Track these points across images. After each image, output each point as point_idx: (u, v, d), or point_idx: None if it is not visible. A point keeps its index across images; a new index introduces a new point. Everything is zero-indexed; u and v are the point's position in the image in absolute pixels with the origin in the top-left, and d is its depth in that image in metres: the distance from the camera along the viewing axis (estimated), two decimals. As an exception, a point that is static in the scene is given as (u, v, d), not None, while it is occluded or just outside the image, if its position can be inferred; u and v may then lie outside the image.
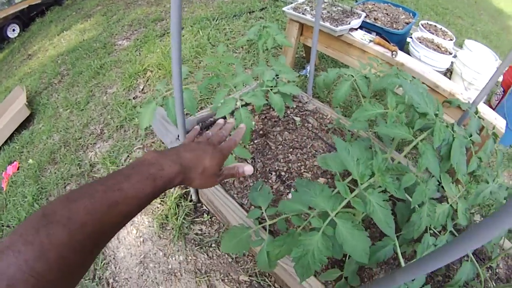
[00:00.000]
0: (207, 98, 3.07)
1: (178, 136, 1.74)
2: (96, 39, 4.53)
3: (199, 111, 2.43)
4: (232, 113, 1.63)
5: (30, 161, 2.92)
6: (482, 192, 1.49)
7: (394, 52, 2.44)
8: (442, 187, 1.53)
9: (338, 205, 0.97)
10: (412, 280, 1.22)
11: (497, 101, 3.82)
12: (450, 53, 2.85)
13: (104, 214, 0.53)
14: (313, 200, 1.00)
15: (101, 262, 2.11)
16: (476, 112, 1.70)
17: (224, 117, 1.45)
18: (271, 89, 1.74)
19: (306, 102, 2.49)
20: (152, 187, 0.62)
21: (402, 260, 1.22)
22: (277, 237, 1.15)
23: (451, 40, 3.20)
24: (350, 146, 1.05)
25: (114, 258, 2.14)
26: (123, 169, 0.62)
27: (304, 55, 3.55)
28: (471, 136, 1.50)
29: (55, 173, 2.72)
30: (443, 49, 2.96)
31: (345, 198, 1.00)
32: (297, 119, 2.34)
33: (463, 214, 1.45)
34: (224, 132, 0.91)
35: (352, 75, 1.70)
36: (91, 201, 0.52)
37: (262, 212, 1.43)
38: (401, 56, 2.47)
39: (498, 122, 2.13)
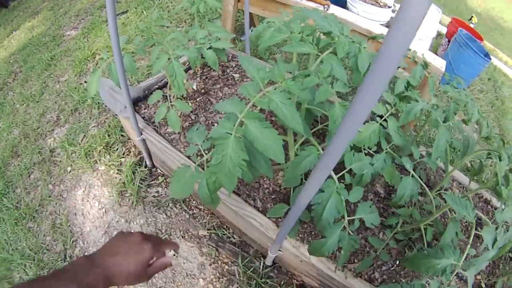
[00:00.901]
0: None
1: (125, 106, 1.83)
2: (45, 34, 4.50)
3: (146, 79, 2.50)
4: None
5: (-7, 158, 2.92)
6: (412, 110, 1.51)
7: (325, 6, 2.57)
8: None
9: (245, 107, 1.03)
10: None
11: (443, 51, 4.03)
12: (389, 7, 2.96)
13: None
14: (225, 108, 1.06)
15: (70, 241, 2.17)
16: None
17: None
18: (203, 46, 1.84)
19: (245, 61, 2.59)
20: None
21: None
22: (209, 163, 1.20)
23: None
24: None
25: (81, 234, 2.20)
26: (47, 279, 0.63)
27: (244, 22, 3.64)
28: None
29: (18, 165, 2.76)
30: (382, 4, 3.09)
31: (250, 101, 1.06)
32: (236, 75, 2.45)
33: (396, 132, 1.50)
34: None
35: (274, 22, 1.81)
36: None
37: (199, 148, 1.48)
38: (333, 9, 2.59)
39: (438, 61, 2.21)
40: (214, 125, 2.10)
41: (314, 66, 1.34)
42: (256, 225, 1.65)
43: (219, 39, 1.91)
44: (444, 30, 4.46)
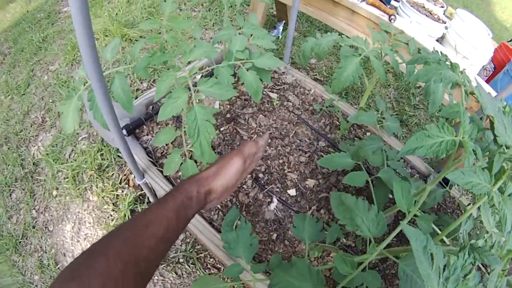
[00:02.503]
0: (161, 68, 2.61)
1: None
2: (41, 9, 3.94)
3: (152, 85, 1.96)
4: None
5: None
6: None
7: (392, 16, 1.98)
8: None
9: None
10: None
11: (486, 77, 3.64)
12: (444, 22, 2.44)
13: (138, 237, 0.57)
14: None
15: None
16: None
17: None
18: (242, 64, 1.27)
19: (283, 72, 2.02)
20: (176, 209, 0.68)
21: None
22: None
23: (442, 7, 2.78)
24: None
25: None
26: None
27: (274, 12, 3.06)
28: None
29: (-1, 178, 2.32)
30: (435, 16, 2.55)
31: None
32: (274, 95, 1.88)
33: None
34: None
35: (363, 49, 1.25)
36: (126, 229, 0.59)
37: (243, 268, 1.11)
38: (400, 22, 2.02)
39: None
40: (246, 183, 1.58)
41: (473, 209, 0.85)
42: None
43: (262, 50, 1.34)
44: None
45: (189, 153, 1.33)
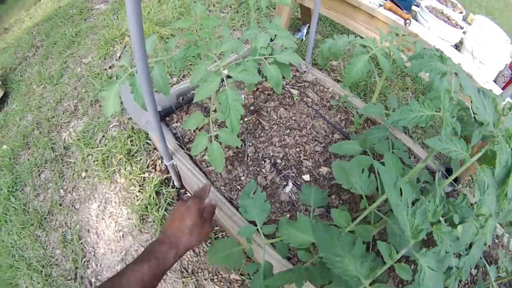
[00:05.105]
0: (190, 65, 2.75)
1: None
2: (72, 5, 4.13)
3: (181, 80, 2.10)
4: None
5: (4, 147, 2.64)
6: None
7: (407, 21, 2.10)
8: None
9: (374, 271, 0.74)
10: None
11: (504, 83, 3.66)
12: (461, 27, 2.53)
13: None
14: (338, 262, 0.77)
15: (81, 260, 1.91)
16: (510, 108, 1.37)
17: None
18: (265, 58, 1.42)
19: (304, 71, 2.16)
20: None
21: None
22: (279, 273, 1.10)
23: (461, 13, 2.86)
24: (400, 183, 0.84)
25: (94, 255, 1.93)
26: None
27: (299, 16, 3.19)
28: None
29: (28, 159, 2.46)
30: (453, 21, 2.64)
31: (385, 263, 0.76)
32: (295, 92, 2.02)
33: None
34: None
35: (371, 47, 1.38)
36: None
37: (258, 229, 1.23)
38: (415, 26, 2.13)
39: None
40: (265, 161, 1.72)
41: (457, 174, 1.00)
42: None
43: (284, 48, 1.48)
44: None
45: (215, 138, 1.47)
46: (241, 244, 1.27)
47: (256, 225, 1.29)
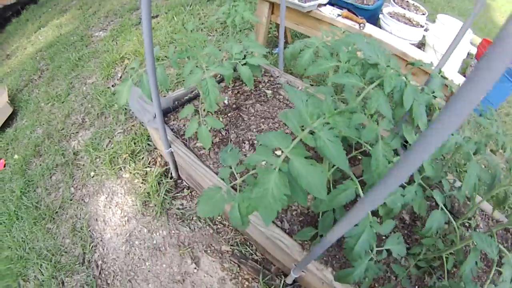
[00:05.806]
0: (183, 80, 3.13)
1: (155, 115, 1.82)
2: (73, 33, 4.54)
3: (175, 90, 2.49)
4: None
5: (16, 156, 2.94)
6: (447, 144, 1.49)
7: (361, 24, 2.54)
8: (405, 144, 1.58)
9: (291, 142, 1.01)
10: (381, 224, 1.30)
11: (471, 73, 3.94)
12: (422, 26, 2.92)
13: None
14: (269, 142, 1.04)
15: (89, 246, 2.16)
16: (439, 72, 1.75)
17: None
18: (239, 62, 1.83)
19: (277, 76, 2.57)
20: None
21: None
22: (245, 189, 1.19)
23: (423, 14, 3.28)
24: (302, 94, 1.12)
25: (101, 240, 2.19)
26: None
27: (277, 34, 3.62)
28: (433, 92, 1.53)
29: (40, 165, 2.77)
30: (414, 22, 3.04)
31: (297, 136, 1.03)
32: (269, 92, 2.42)
33: (429, 164, 1.49)
34: None
35: (314, 43, 1.78)
36: None
37: (232, 171, 1.45)
38: (368, 28, 2.55)
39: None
40: (244, 143, 2.08)
41: (359, 99, 1.31)
42: (282, 246, 1.63)
43: (254, 54, 1.90)
44: (474, 51, 4.38)
45: (203, 122, 1.86)
46: (221, 188, 1.40)
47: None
